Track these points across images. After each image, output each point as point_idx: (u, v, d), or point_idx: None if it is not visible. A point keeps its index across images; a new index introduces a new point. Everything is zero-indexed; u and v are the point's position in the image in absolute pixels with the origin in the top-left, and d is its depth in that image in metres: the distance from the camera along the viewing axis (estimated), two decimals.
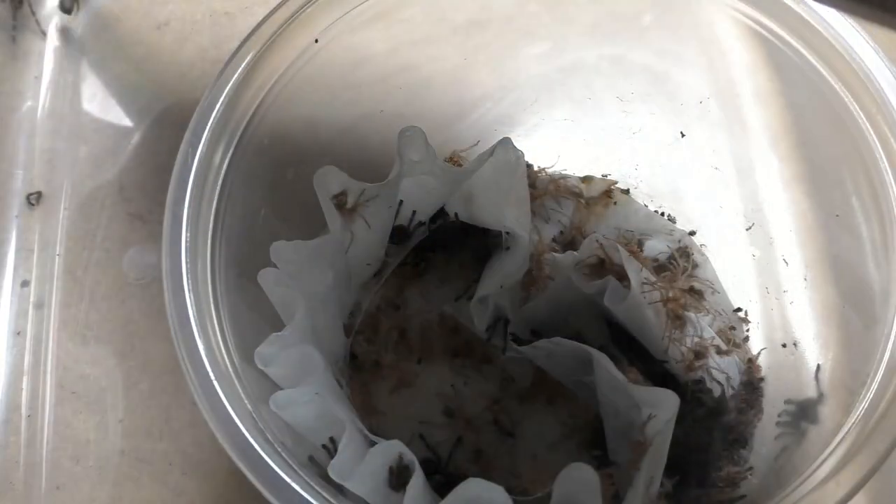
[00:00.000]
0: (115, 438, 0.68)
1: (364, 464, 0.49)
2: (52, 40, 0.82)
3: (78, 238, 0.74)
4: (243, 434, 0.47)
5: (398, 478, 0.50)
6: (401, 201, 0.60)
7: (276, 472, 0.46)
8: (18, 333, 0.71)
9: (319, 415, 0.51)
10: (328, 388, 0.52)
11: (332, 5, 0.59)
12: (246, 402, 0.50)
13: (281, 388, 0.52)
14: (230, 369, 0.50)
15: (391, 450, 0.50)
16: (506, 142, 0.58)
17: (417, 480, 0.48)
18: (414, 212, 0.62)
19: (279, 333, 0.51)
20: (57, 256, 0.73)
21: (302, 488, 0.46)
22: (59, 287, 0.72)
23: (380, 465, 0.50)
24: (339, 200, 0.57)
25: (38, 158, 0.77)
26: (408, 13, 0.65)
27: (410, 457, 0.50)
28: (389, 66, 0.68)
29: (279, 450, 0.48)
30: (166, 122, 0.80)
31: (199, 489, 0.66)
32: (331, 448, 0.52)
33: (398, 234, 0.63)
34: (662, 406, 0.53)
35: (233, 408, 0.48)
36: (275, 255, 0.54)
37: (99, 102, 0.80)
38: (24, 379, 0.69)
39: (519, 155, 0.60)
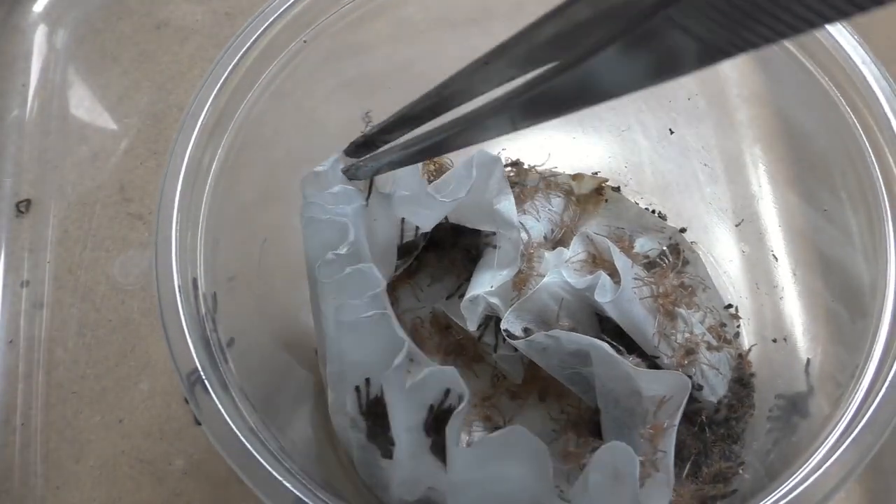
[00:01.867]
0: (115, 438, 0.68)
1: (410, 389, 0.49)
2: (39, 47, 0.83)
3: (79, 237, 0.75)
4: (237, 436, 0.48)
5: (437, 419, 0.50)
6: (402, 219, 0.61)
7: (271, 474, 0.47)
8: (17, 334, 0.71)
9: (380, 334, 0.50)
10: (389, 308, 0.52)
11: (321, 5, 0.60)
12: (240, 405, 0.50)
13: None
14: (224, 372, 0.51)
15: (441, 378, 0.49)
16: (481, 154, 0.59)
17: (458, 419, 0.48)
18: (417, 227, 0.62)
19: (336, 251, 0.51)
20: (57, 256, 0.74)
21: (298, 491, 0.46)
22: (59, 287, 0.73)
23: (425, 394, 0.50)
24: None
25: (31, 163, 0.78)
26: (405, 12, 0.65)
27: (457, 393, 0.50)
28: (383, 65, 0.68)
29: (274, 452, 0.48)
30: (166, 122, 0.80)
31: (198, 489, 0.67)
32: (363, 391, 0.52)
33: (407, 248, 0.63)
34: (673, 389, 0.53)
35: (227, 412, 0.49)
36: (307, 183, 0.54)
37: (98, 103, 0.81)
38: (24, 379, 0.70)
39: (496, 160, 0.60)
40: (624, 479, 0.48)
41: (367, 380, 0.52)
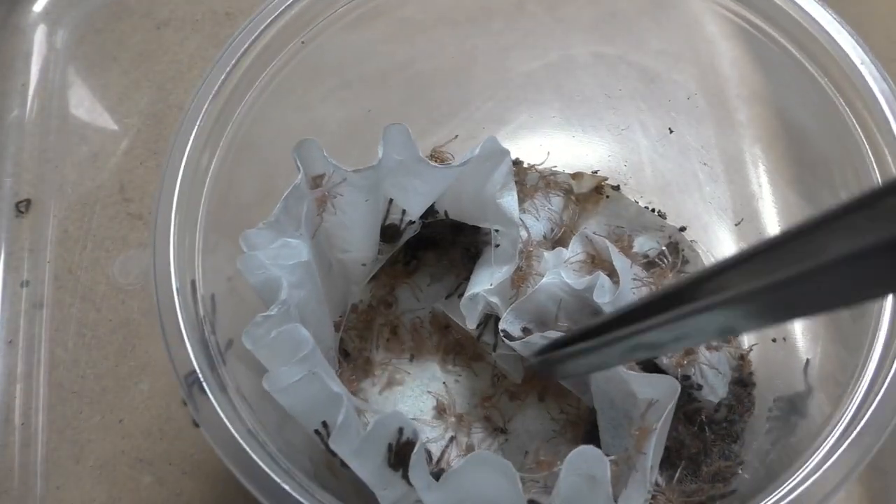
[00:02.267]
0: (115, 438, 0.68)
1: (362, 442, 0.49)
2: (39, 47, 0.83)
3: (79, 237, 0.75)
4: (235, 438, 0.48)
5: (397, 455, 0.50)
6: (390, 200, 0.61)
7: (268, 475, 0.47)
8: (17, 334, 0.71)
9: (315, 393, 0.50)
10: (321, 366, 0.52)
11: (321, 5, 0.60)
12: (238, 407, 0.50)
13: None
14: (222, 374, 0.51)
15: (390, 424, 0.49)
16: (491, 140, 0.58)
17: (419, 455, 0.48)
18: (403, 211, 0.62)
19: (265, 313, 0.51)
20: (57, 256, 0.74)
21: (296, 492, 0.46)
22: (58, 287, 0.73)
23: (378, 442, 0.50)
24: (315, 182, 0.57)
25: (31, 163, 0.78)
26: (405, 12, 0.65)
27: (412, 428, 0.50)
28: (383, 65, 0.68)
29: (271, 454, 0.48)
30: (166, 122, 0.80)
31: (198, 489, 0.67)
32: (323, 433, 0.52)
33: (389, 233, 0.63)
34: (663, 392, 0.53)
35: (224, 414, 0.49)
36: (245, 244, 0.53)
37: (98, 103, 0.81)
38: (24, 379, 0.70)
39: (504, 152, 0.60)
40: (597, 482, 0.49)
41: (324, 422, 0.52)
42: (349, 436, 0.49)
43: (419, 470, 0.48)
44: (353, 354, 0.67)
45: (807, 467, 0.47)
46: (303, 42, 0.59)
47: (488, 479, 0.48)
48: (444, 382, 0.67)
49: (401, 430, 0.50)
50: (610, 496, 0.48)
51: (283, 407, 0.51)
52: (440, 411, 0.65)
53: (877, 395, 0.48)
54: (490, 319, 0.63)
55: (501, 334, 0.60)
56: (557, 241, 0.68)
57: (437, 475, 0.55)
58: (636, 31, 0.67)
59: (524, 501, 0.48)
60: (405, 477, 0.49)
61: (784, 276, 0.31)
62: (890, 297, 0.51)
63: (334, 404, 0.49)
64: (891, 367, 0.49)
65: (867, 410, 0.48)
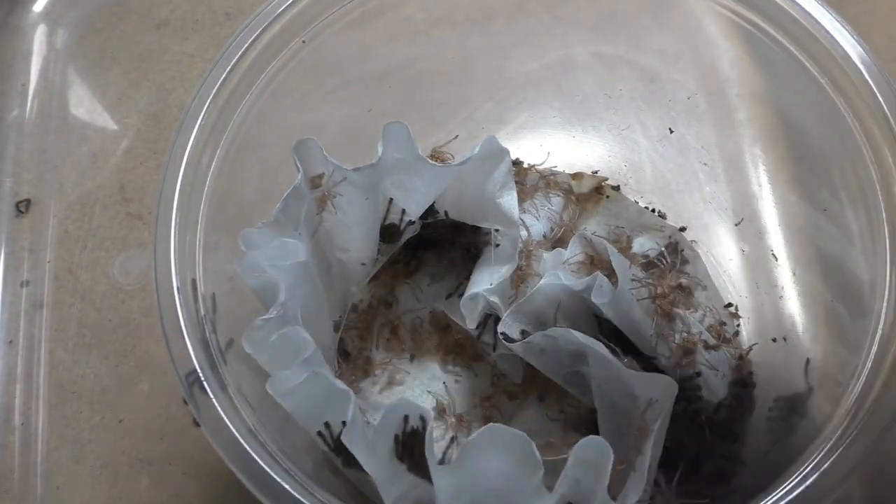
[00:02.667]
0: (115, 438, 0.68)
1: (374, 434, 0.48)
2: (39, 47, 0.83)
3: (79, 237, 0.75)
4: (236, 438, 0.48)
5: (404, 446, 0.50)
6: (390, 200, 0.61)
7: (269, 475, 0.47)
8: (17, 334, 0.71)
9: (321, 392, 0.50)
10: (323, 367, 0.51)
11: (321, 4, 0.60)
12: (239, 406, 0.50)
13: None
14: (223, 374, 0.51)
15: (397, 412, 0.49)
16: (490, 140, 0.58)
17: (430, 436, 0.47)
18: (403, 211, 0.62)
19: (264, 317, 0.50)
20: (57, 256, 0.74)
21: (296, 492, 0.46)
22: (59, 287, 0.73)
23: (387, 432, 0.49)
24: (315, 182, 0.57)
25: (31, 163, 0.78)
26: (405, 12, 0.65)
27: (418, 414, 0.49)
28: (383, 65, 0.68)
29: (272, 453, 0.48)
30: (166, 122, 0.80)
31: (198, 489, 0.67)
32: (326, 434, 0.52)
33: (389, 233, 0.63)
34: (661, 392, 0.53)
35: (225, 413, 0.49)
36: (244, 243, 0.53)
37: (98, 103, 0.81)
38: (24, 379, 0.70)
39: (504, 151, 0.60)
40: (600, 472, 0.48)
41: (326, 423, 0.52)
42: (358, 431, 0.48)
43: (432, 450, 0.47)
44: (354, 354, 0.67)
45: (807, 467, 0.47)
46: (304, 41, 0.59)
47: (501, 456, 0.47)
48: (444, 382, 0.67)
49: (406, 419, 0.49)
50: (605, 490, 0.48)
51: (287, 410, 0.51)
52: (440, 412, 0.65)
53: (877, 394, 0.48)
54: (490, 319, 0.63)
55: (501, 337, 0.60)
56: (557, 241, 0.68)
57: None
58: (636, 31, 0.67)
59: (539, 479, 0.47)
60: (412, 469, 0.49)
61: None
62: (890, 299, 0.51)
63: (342, 401, 0.49)
64: (891, 367, 0.49)
65: (867, 410, 0.48)
